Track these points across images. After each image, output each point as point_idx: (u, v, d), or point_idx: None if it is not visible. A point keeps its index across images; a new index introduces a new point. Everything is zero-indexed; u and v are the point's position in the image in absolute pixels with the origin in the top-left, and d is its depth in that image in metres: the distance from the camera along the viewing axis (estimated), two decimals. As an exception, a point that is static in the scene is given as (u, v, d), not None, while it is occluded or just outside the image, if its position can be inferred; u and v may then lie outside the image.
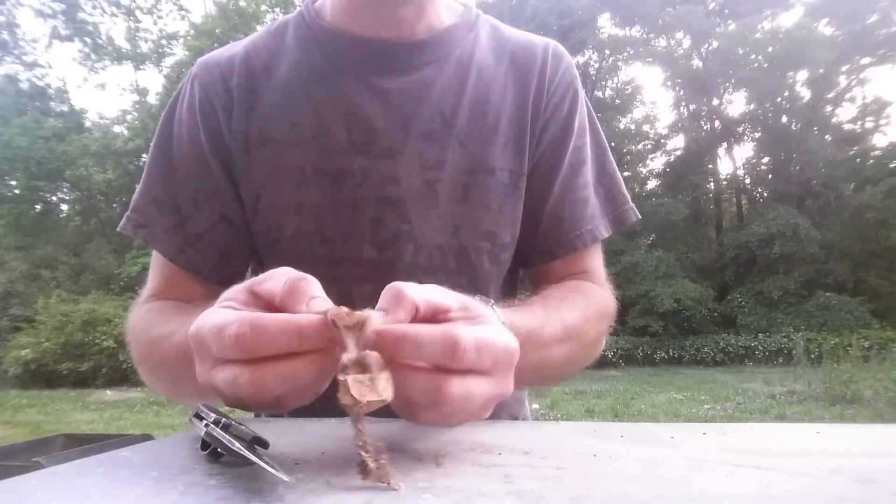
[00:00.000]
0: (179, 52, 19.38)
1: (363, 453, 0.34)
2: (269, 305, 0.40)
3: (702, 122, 21.25)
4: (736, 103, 21.78)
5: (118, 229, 0.76)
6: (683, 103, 21.60)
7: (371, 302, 0.40)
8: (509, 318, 0.55)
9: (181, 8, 19.89)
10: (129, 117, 20.11)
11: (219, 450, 0.39)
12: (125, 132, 18.80)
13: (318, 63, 0.72)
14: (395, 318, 0.38)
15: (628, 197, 0.81)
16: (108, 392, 10.38)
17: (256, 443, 0.39)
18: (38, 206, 19.22)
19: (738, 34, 18.32)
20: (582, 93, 0.79)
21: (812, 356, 9.73)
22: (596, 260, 0.80)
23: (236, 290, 0.42)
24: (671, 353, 14.66)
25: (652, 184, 21.57)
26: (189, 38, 18.76)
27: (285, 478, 0.34)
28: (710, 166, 20.72)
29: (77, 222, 20.03)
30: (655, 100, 30.81)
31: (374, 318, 0.36)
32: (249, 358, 0.36)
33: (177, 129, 0.74)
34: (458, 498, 0.32)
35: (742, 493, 0.34)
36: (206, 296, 0.67)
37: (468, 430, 0.52)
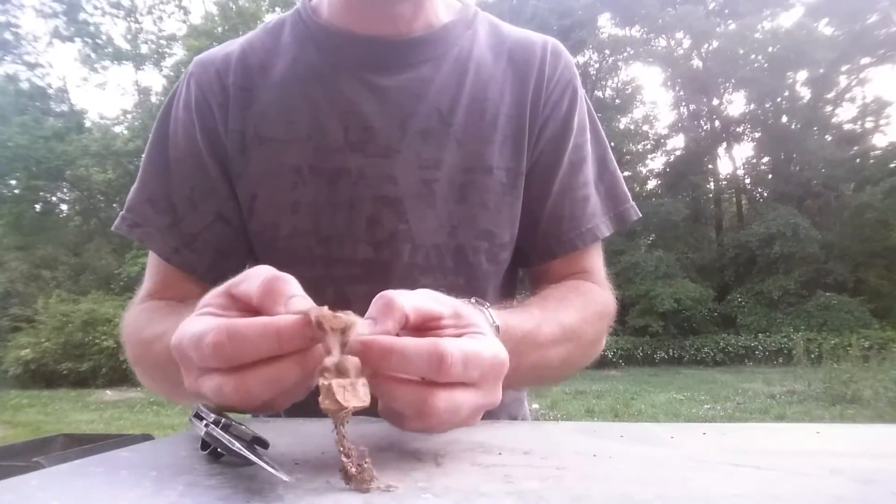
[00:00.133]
0: (179, 52, 19.42)
1: (344, 458, 0.34)
2: (248, 307, 0.39)
3: (702, 122, 21.25)
4: (736, 103, 21.79)
5: (112, 228, 0.76)
6: (683, 103, 21.60)
7: (367, 302, 0.40)
8: (505, 319, 0.55)
9: (181, 8, 19.94)
10: (129, 117, 20.13)
11: (219, 450, 0.39)
12: (125, 132, 18.77)
13: (315, 61, 0.72)
14: (383, 329, 0.38)
15: (629, 196, 0.81)
16: (108, 392, 10.37)
17: (256, 443, 0.39)
18: (37, 206, 19.21)
19: (738, 34, 18.32)
20: (581, 91, 0.79)
21: (812, 356, 9.73)
22: (596, 259, 0.79)
23: (214, 295, 0.41)
24: (671, 353, 14.66)
25: (652, 184, 21.59)
26: (189, 38, 18.76)
27: (285, 478, 0.34)
28: (709, 166, 20.73)
29: (77, 222, 20.00)
30: (655, 100, 30.76)
31: (359, 325, 0.36)
32: (231, 366, 0.36)
33: (173, 128, 0.73)
34: (457, 498, 0.32)
35: (742, 493, 0.34)
36: (202, 296, 0.66)
37: (468, 430, 0.51)
